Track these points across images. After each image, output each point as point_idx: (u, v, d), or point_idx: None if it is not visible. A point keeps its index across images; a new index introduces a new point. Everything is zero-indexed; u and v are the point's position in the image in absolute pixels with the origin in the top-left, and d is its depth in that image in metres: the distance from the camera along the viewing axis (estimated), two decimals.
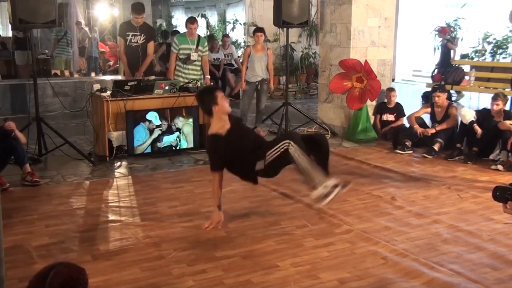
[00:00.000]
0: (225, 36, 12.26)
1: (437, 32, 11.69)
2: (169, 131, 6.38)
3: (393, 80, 10.60)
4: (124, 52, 7.19)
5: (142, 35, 7.14)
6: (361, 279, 3.34)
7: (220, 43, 11.87)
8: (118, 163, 6.16)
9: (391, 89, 7.59)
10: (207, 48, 7.65)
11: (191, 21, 7.37)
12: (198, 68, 7.43)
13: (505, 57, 11.38)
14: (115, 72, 12.76)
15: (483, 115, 6.47)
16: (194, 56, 7.29)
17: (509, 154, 5.96)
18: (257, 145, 4.18)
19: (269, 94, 7.85)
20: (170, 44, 10.17)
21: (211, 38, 11.91)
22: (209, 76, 7.54)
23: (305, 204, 4.69)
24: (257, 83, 7.73)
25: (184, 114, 6.43)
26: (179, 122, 6.41)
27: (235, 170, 4.27)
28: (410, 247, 3.81)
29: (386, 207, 4.71)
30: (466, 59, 11.59)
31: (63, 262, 1.90)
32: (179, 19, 19.08)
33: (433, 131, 6.74)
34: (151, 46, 7.23)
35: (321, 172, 3.96)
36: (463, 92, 11.16)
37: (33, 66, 6.43)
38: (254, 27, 8.98)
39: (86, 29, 15.10)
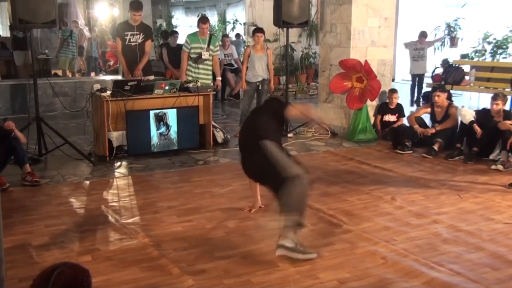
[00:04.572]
0: (225, 36, 12.25)
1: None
2: None
3: (393, 80, 10.58)
4: (123, 52, 7.18)
5: (141, 34, 7.13)
6: (361, 279, 3.34)
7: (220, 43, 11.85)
8: (118, 163, 6.16)
9: (393, 91, 7.59)
10: (218, 48, 7.66)
11: (203, 21, 7.39)
12: (209, 68, 7.44)
13: (505, 57, 11.37)
14: (115, 72, 12.75)
15: (483, 115, 6.47)
16: (205, 55, 7.31)
17: (509, 154, 5.96)
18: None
19: (269, 94, 7.86)
20: (169, 44, 10.18)
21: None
22: (220, 78, 7.53)
23: None
24: (257, 83, 7.71)
25: None
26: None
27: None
28: (410, 247, 3.81)
29: (386, 207, 4.72)
30: (466, 59, 11.57)
31: (68, 263, 1.90)
32: (179, 19, 19.07)
33: (433, 131, 6.75)
34: (148, 44, 7.23)
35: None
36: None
37: (33, 66, 6.42)
38: (254, 27, 8.97)
39: (85, 29, 15.09)
